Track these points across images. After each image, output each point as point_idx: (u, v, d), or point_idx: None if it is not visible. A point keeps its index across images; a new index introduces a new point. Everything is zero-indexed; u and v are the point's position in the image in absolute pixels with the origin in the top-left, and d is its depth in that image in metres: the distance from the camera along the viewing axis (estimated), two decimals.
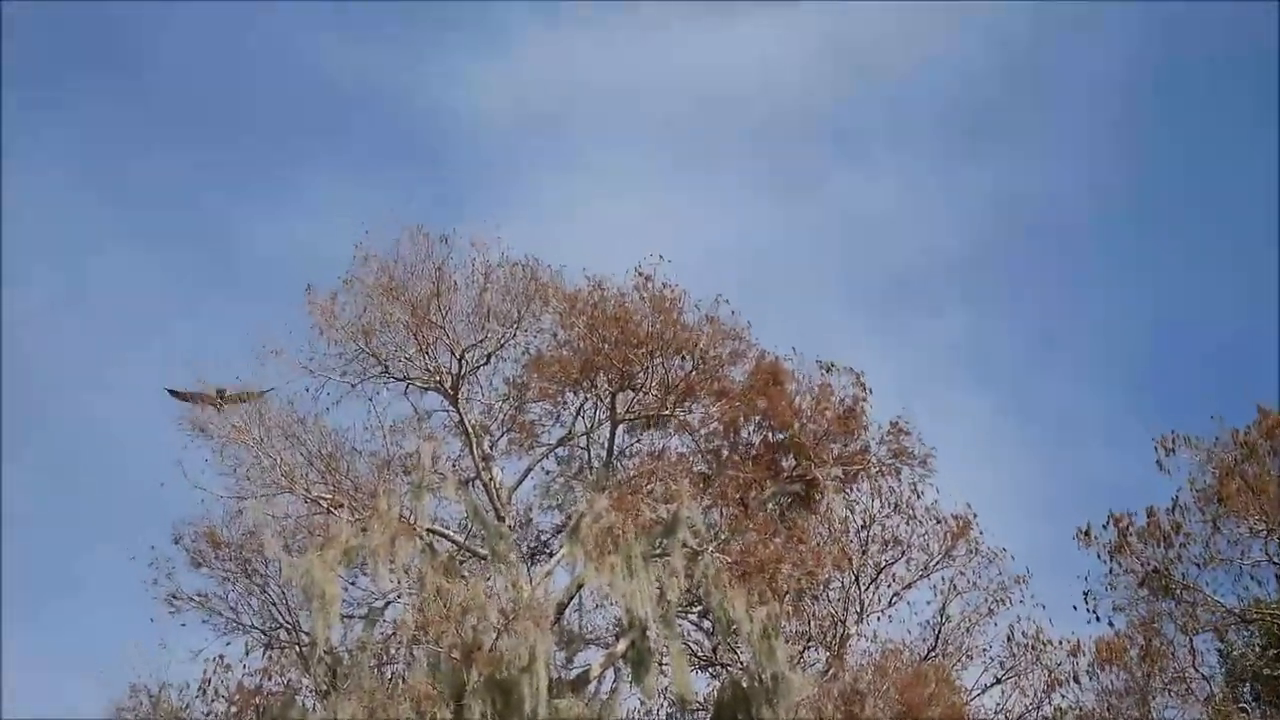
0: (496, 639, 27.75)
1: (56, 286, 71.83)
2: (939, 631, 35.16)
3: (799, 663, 32.08)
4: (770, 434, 33.15)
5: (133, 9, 72.64)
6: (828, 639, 34.15)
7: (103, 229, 73.73)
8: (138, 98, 75.30)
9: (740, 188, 74.91)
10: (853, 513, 34.46)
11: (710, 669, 34.32)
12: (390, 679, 29.41)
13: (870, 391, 33.27)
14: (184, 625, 32.67)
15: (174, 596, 32.88)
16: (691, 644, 34.11)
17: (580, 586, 31.14)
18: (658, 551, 30.24)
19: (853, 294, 70.87)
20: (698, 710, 33.12)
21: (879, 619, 34.66)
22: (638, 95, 75.81)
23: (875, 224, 74.57)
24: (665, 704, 33.81)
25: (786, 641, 30.90)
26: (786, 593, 31.05)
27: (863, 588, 34.52)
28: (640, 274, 32.45)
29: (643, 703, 31.25)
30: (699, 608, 32.98)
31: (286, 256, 68.79)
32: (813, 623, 34.01)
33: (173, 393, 30.02)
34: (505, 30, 76.67)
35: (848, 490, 33.71)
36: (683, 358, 32.46)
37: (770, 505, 32.65)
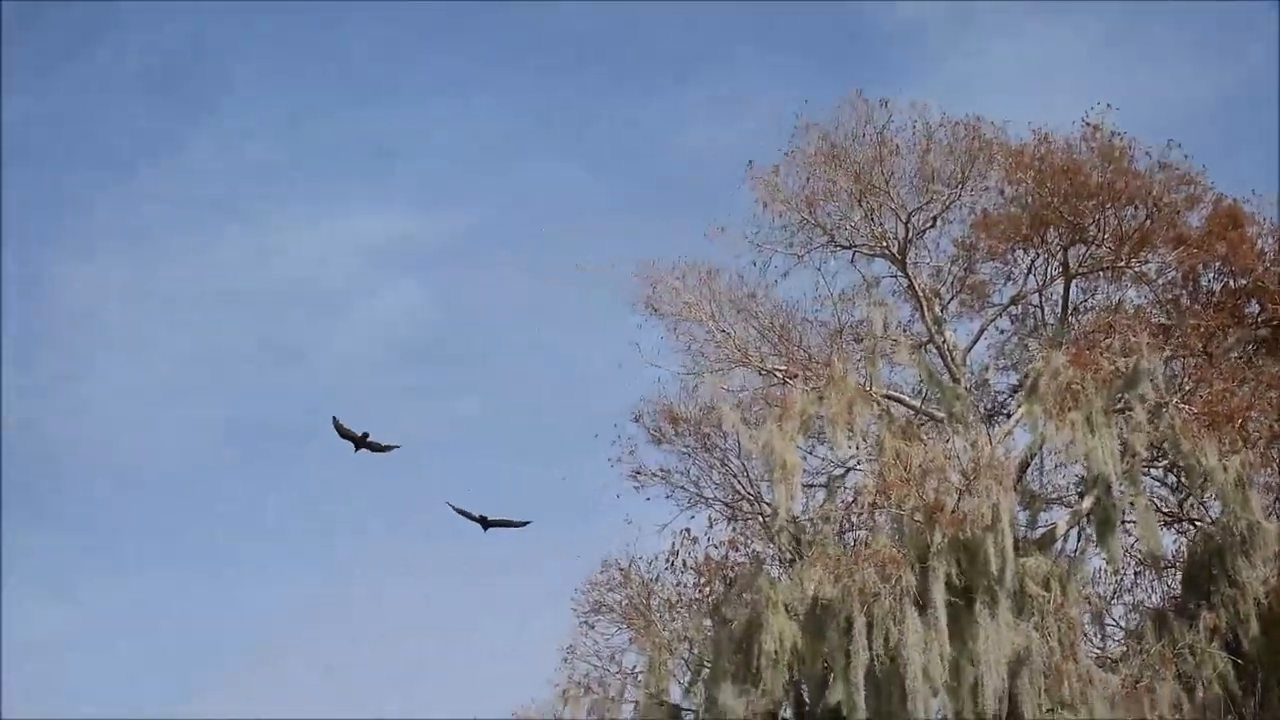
0: (959, 500, 27.58)
1: (489, 206, 74.41)
2: None
3: (1273, 513, 30.97)
4: (1232, 280, 32.03)
5: None
6: None
7: (531, 144, 75.87)
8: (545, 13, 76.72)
9: (1171, 51, 71.65)
10: None
11: (1176, 525, 33.37)
12: (853, 545, 29.54)
13: None
14: (648, 500, 33.66)
15: (637, 473, 33.89)
16: (1155, 500, 33.23)
17: (1041, 445, 30.70)
18: (1119, 406, 29.57)
19: None
20: (1166, 567, 32.43)
21: None
22: None
23: None
24: (1131, 562, 33.16)
25: (1260, 491, 29.93)
26: (1259, 441, 29.99)
27: None
28: (1088, 123, 31.65)
29: (1108, 561, 30.55)
30: (1164, 462, 32.21)
31: (711, 151, 69.40)
32: None
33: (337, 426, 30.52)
34: None
35: None
36: (1136, 207, 31.58)
37: (1235, 353, 31.61)
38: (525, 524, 31.01)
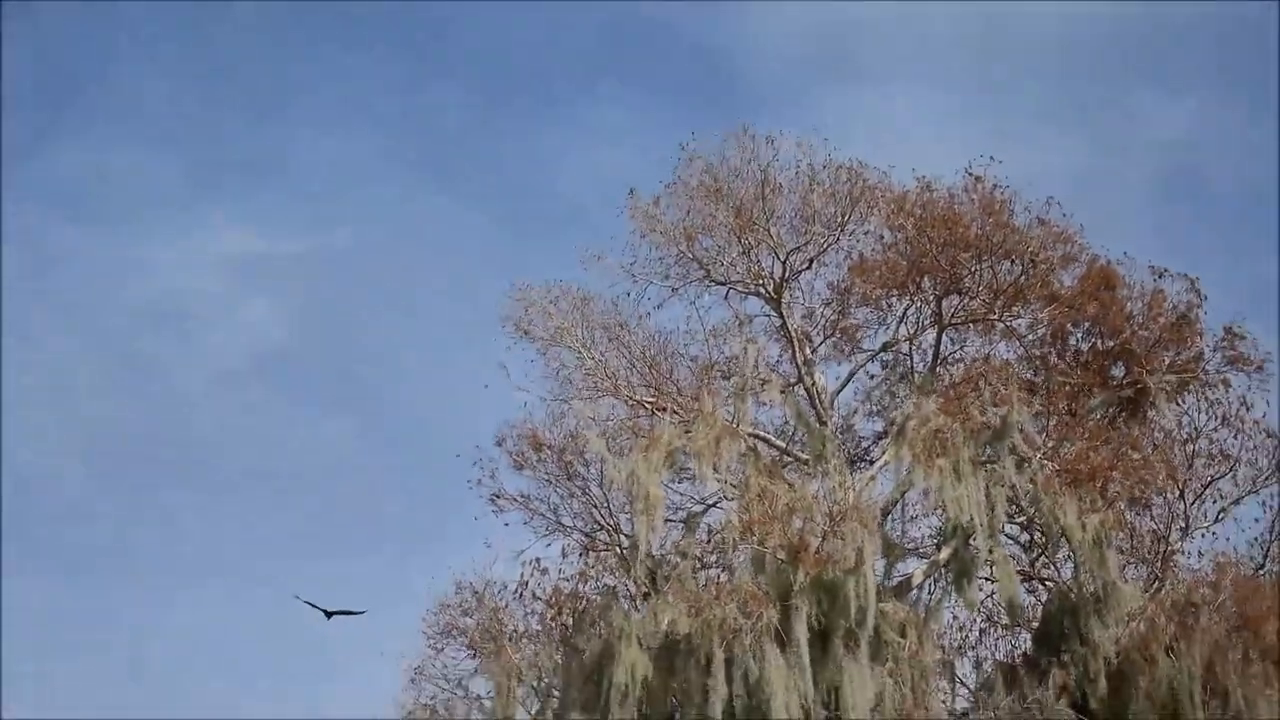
0: (823, 540, 27.47)
1: (356, 226, 73.81)
2: (1268, 549, 33.76)
3: (1127, 574, 31.21)
4: (1100, 341, 32.29)
5: None
6: (1150, 555, 33.13)
7: (412, 179, 75.38)
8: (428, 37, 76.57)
9: (1034, 113, 72.66)
10: (1179, 425, 33.27)
11: (1028, 584, 33.49)
12: (710, 583, 29.29)
13: (1205, 298, 32.18)
14: (507, 525, 33.12)
15: (496, 496, 33.33)
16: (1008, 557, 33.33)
17: (904, 492, 30.77)
18: (984, 458, 29.63)
19: (1163, 221, 68.24)
20: (1013, 626, 32.55)
21: (1204, 535, 33.35)
22: (925, 18, 73.94)
23: (1181, 147, 71.52)
24: (978, 619, 33.21)
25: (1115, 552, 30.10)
26: (1116, 502, 30.18)
27: (1188, 503, 33.26)
28: (971, 174, 31.79)
29: (966, 607, 30.57)
30: (1019, 519, 32.36)
31: (592, 186, 69.37)
32: (1134, 538, 33.00)
33: None
34: None
35: (1178, 400, 32.61)
36: (1012, 261, 31.73)
37: (1098, 414, 31.84)
38: (363, 613, 32.16)
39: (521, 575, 31.71)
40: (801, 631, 26.50)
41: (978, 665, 32.75)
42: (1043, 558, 32.99)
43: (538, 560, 31.89)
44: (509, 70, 75.77)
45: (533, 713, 30.10)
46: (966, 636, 33.42)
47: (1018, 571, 32.88)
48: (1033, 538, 33.16)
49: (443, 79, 77.31)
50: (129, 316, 71.20)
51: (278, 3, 74.33)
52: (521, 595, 31.67)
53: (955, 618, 32.40)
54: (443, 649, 32.02)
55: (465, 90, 77.07)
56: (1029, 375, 32.30)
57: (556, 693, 29.44)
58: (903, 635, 27.74)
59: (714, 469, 29.52)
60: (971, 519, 28.58)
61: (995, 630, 33.29)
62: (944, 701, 30.86)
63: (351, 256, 72.34)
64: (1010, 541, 33.39)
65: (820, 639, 26.94)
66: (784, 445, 32.18)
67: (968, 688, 31.93)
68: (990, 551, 29.64)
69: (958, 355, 33.29)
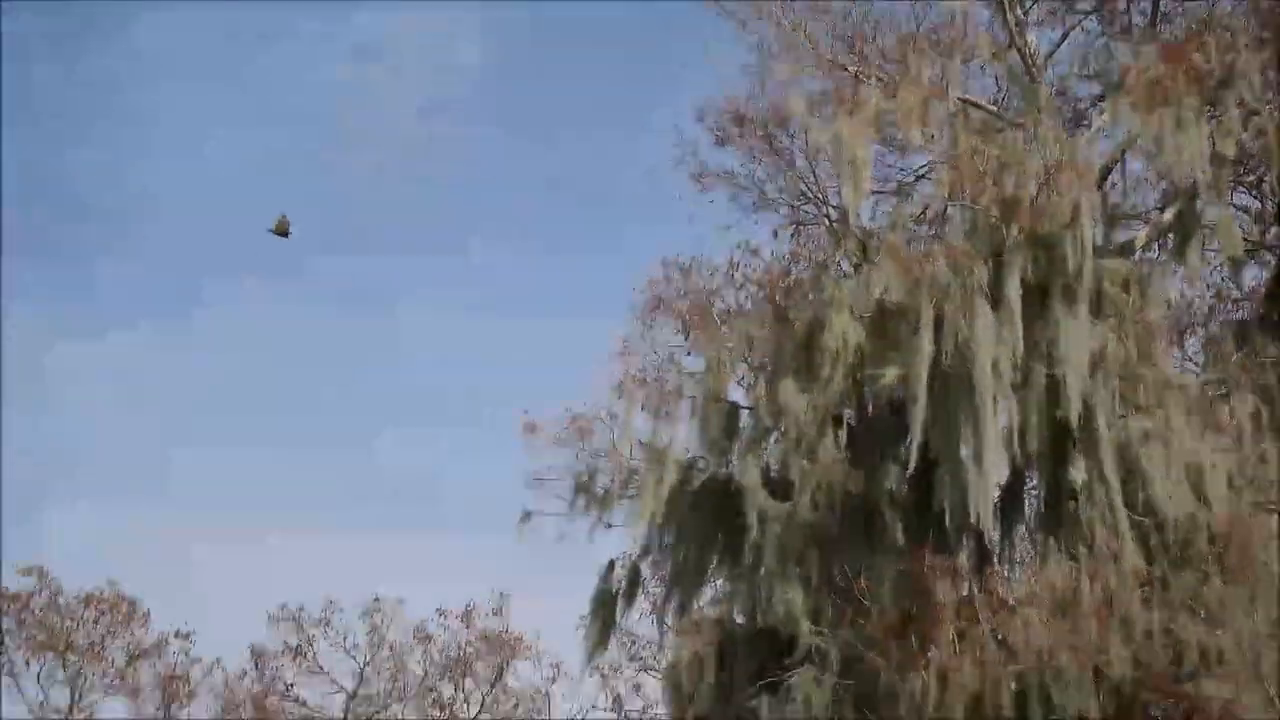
0: (1037, 195, 26.24)
1: None
2: None
3: None
4: None
5: None
6: None
7: None
8: None
9: None
10: None
11: (1256, 255, 31.87)
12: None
13: None
14: (711, 202, 32.56)
15: (700, 174, 32.70)
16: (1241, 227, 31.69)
17: (1124, 150, 29.30)
18: (1210, 113, 28.00)
19: None
20: (1242, 300, 31.18)
21: None
22: None
23: None
24: (1208, 293, 31.83)
25: None
26: None
27: None
28: None
29: (1186, 274, 29.12)
30: (1249, 179, 30.79)
31: None
32: None
33: None
34: None
35: None
36: None
37: None
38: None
39: (732, 257, 31.15)
40: (1013, 288, 25.39)
41: (1208, 341, 31.44)
42: (1275, 227, 31.45)
43: (748, 241, 31.32)
44: None
45: (744, 384, 29.62)
46: (1195, 312, 32.14)
47: (1248, 242, 31.39)
48: (1264, 205, 31.58)
49: None
50: None
51: None
52: (733, 276, 31.10)
53: (1183, 295, 31.08)
54: (651, 325, 31.41)
55: None
56: (1259, 33, 30.33)
57: (768, 363, 28.80)
58: (1126, 290, 26.52)
59: (922, 131, 28.29)
60: (1195, 170, 27.04)
61: (1224, 306, 31.90)
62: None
63: None
64: (1241, 212, 31.89)
65: (1037, 296, 25.87)
66: (995, 110, 30.86)
67: (1205, 340, 30.66)
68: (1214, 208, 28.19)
69: (1179, 9, 31.50)
